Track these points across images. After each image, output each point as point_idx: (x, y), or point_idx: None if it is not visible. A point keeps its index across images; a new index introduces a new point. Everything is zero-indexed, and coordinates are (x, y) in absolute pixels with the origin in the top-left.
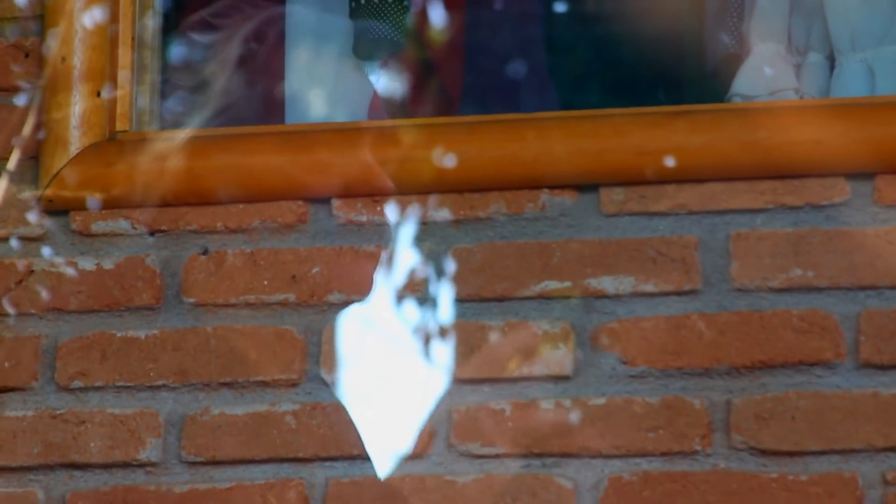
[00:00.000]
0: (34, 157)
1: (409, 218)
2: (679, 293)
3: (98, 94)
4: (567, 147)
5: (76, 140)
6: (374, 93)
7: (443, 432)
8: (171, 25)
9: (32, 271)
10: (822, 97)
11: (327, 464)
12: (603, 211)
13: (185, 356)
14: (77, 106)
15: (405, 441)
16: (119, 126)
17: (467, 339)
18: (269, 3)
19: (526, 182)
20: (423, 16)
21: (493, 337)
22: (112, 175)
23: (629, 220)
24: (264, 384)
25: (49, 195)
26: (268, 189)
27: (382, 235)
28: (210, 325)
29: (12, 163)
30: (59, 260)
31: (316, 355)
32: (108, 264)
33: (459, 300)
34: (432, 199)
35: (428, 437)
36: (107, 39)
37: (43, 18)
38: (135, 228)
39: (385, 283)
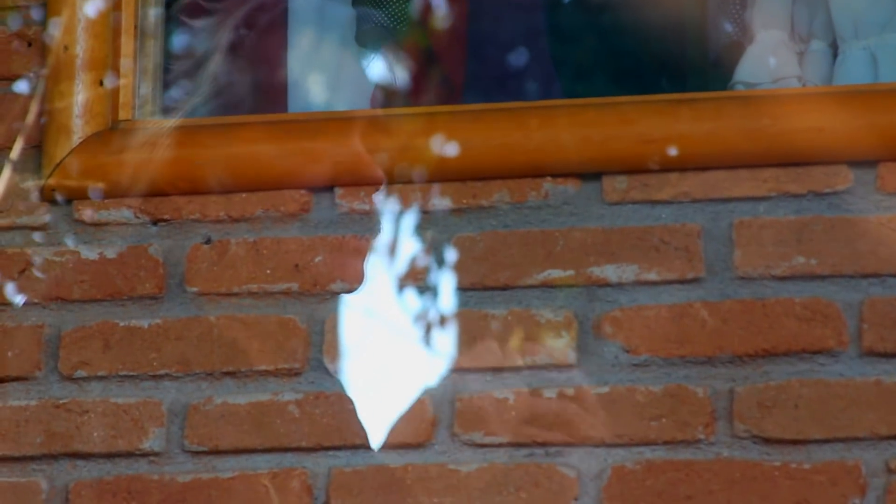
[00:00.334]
0: (37, 147)
1: (411, 207)
2: (682, 281)
3: (101, 83)
4: (570, 135)
5: (79, 129)
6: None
7: (446, 421)
8: (174, 14)
9: (35, 260)
10: (825, 85)
11: (330, 453)
12: (606, 199)
13: (187, 345)
14: (80, 95)
15: (408, 430)
16: (122, 115)
17: (470, 328)
18: None
19: (529, 170)
20: (425, 4)
21: (496, 325)
22: (115, 164)
23: (632, 208)
24: (267, 373)
25: (52, 184)
26: (270, 178)
27: (385, 224)
28: (213, 314)
29: (15, 152)
30: (61, 249)
31: (319, 344)
32: (110, 253)
33: (462, 289)
34: (435, 188)
35: (431, 425)
36: (109, 28)
37: (46, 7)
38: (137, 218)
39: (388, 272)
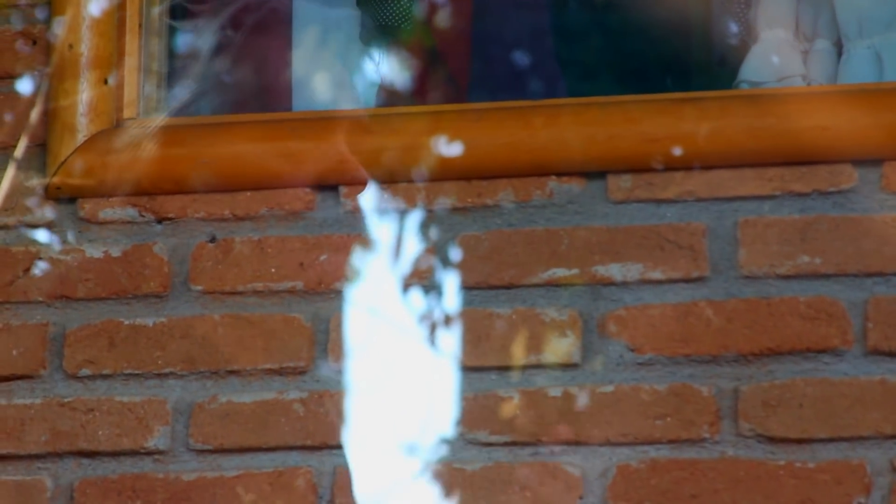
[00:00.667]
0: (41, 145)
1: (416, 206)
2: (687, 280)
3: (105, 82)
4: (575, 134)
5: (83, 128)
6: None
7: (451, 420)
8: (179, 12)
9: (40, 259)
10: (829, 84)
11: (335, 452)
12: (611, 198)
13: (192, 344)
14: (84, 93)
15: (413, 429)
16: (126, 114)
17: (475, 327)
18: None
19: (534, 169)
20: (430, 3)
21: (501, 324)
22: (120, 162)
23: (637, 207)
24: (272, 372)
25: (56, 183)
26: (275, 176)
27: (389, 223)
28: (217, 313)
29: (20, 150)
30: (66, 247)
31: (324, 343)
32: (115, 252)
33: (467, 288)
34: (440, 187)
35: (436, 424)
36: (114, 27)
37: (50, 6)
38: (142, 216)
39: (393, 271)
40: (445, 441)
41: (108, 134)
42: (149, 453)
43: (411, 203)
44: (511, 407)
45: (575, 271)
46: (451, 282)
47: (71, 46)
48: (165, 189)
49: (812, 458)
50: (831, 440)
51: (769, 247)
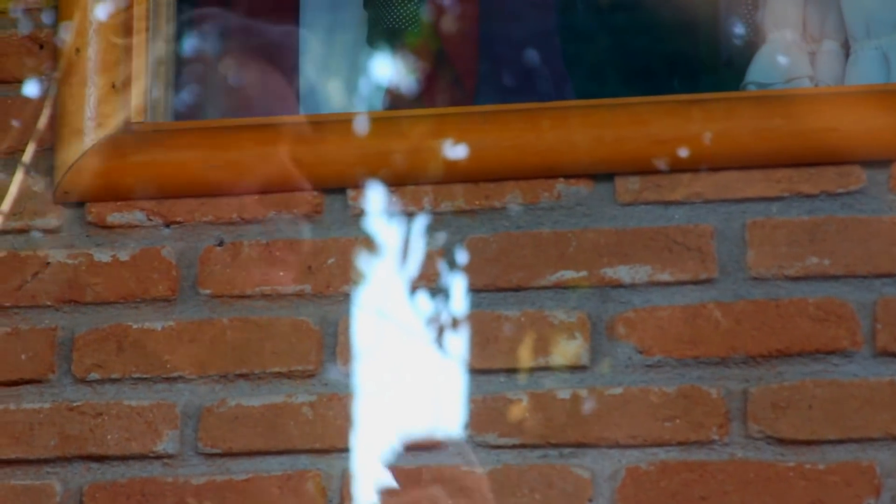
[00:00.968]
0: (49, 149)
1: (423, 208)
2: (695, 282)
3: (113, 86)
4: (582, 136)
5: (91, 132)
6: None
7: (459, 422)
8: (186, 16)
9: (48, 263)
10: (837, 85)
11: (344, 455)
12: (618, 200)
13: (201, 348)
14: (92, 98)
15: (421, 432)
16: (134, 118)
17: (483, 330)
18: None
19: (541, 171)
20: (437, 5)
21: (509, 327)
22: (127, 167)
23: (645, 209)
24: (280, 375)
25: (64, 187)
26: (283, 179)
27: (398, 226)
28: (226, 316)
29: (28, 155)
30: (74, 252)
31: (332, 346)
32: (123, 256)
33: (475, 290)
34: (447, 190)
35: (444, 427)
36: (121, 30)
37: (57, 10)
38: (150, 220)
39: (401, 274)
40: (454, 443)
41: (116, 138)
42: (158, 457)
43: (419, 206)
44: (520, 409)
45: (583, 273)
46: (458, 284)
47: (78, 50)
48: (173, 193)
49: (822, 460)
50: (841, 442)
51: (777, 248)
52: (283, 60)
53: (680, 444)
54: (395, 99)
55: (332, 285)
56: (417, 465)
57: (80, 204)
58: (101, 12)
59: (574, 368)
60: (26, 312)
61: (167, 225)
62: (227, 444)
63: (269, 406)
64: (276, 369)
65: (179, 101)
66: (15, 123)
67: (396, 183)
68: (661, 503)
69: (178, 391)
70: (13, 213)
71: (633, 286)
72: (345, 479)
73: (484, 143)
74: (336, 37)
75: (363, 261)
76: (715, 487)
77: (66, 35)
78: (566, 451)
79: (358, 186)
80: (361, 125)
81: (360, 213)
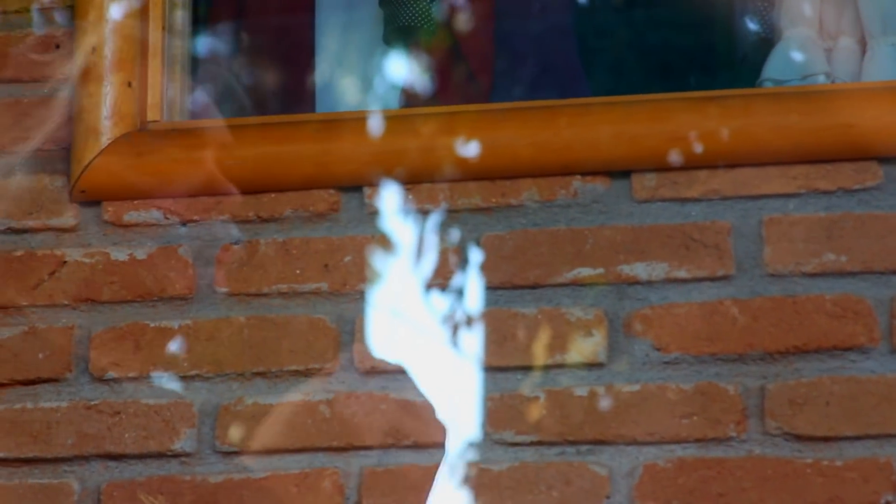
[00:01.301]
0: (66, 148)
1: (440, 206)
2: (712, 279)
3: (129, 85)
4: (599, 133)
5: (107, 130)
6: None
7: (476, 420)
8: (202, 15)
9: (65, 262)
10: (853, 81)
11: (361, 453)
12: (635, 197)
13: (218, 346)
14: (108, 96)
15: (439, 429)
16: (150, 116)
17: (500, 327)
18: None
19: (558, 169)
20: (451, 3)
21: (526, 324)
22: (144, 165)
23: (661, 206)
24: (297, 374)
25: (81, 186)
26: (299, 178)
27: (414, 224)
28: (243, 314)
29: (44, 154)
30: (91, 250)
31: (349, 344)
32: (140, 254)
33: (492, 288)
34: (463, 187)
35: (461, 425)
36: (137, 29)
37: (73, 9)
38: (167, 218)
39: (417, 272)
40: (471, 441)
41: (132, 137)
42: (175, 455)
43: (435, 203)
44: (537, 407)
45: (600, 270)
46: (475, 282)
47: (94, 49)
48: (190, 191)
49: (839, 457)
50: (858, 438)
51: (794, 245)
52: (299, 59)
53: (697, 440)
54: (410, 97)
55: (348, 283)
56: (434, 462)
57: (97, 202)
58: (117, 11)
59: (591, 366)
60: (43, 311)
61: (184, 223)
62: (244, 443)
63: (286, 404)
64: (293, 367)
65: (195, 100)
66: (31, 122)
67: (412, 181)
68: (678, 500)
69: (195, 389)
70: (30, 213)
71: (649, 283)
72: (362, 477)
73: (500, 141)
74: (351, 35)
75: (379, 259)
76: (732, 484)
77: (82, 34)
78: (583, 448)
79: (374, 184)
80: (377, 123)
81: (376, 211)
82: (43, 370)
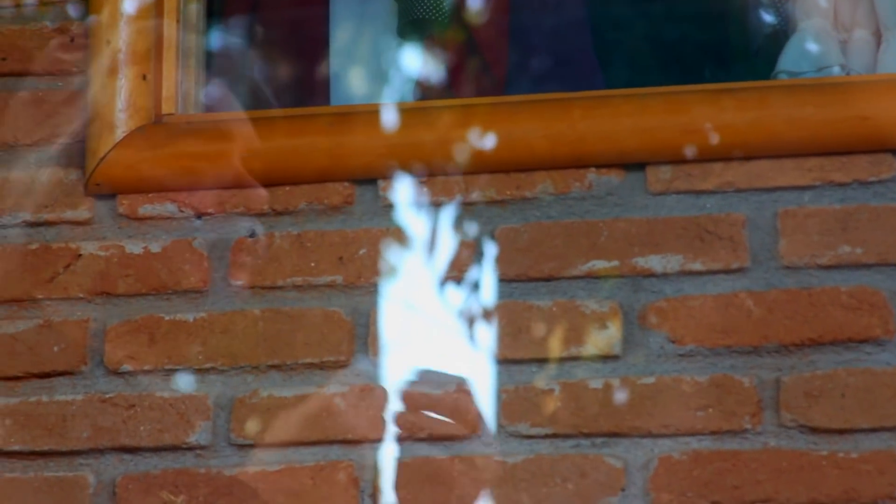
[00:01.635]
0: (81, 142)
1: (454, 199)
2: (727, 271)
3: (144, 78)
4: (613, 125)
5: (122, 123)
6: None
7: (491, 413)
8: (216, 8)
9: (80, 255)
10: (868, 73)
11: (376, 445)
12: (650, 189)
13: (233, 339)
14: (123, 89)
15: (454, 422)
16: (165, 109)
17: (515, 320)
18: None
19: (572, 161)
20: None
21: (541, 317)
22: (158, 158)
23: (676, 198)
24: (312, 366)
25: (96, 179)
26: (314, 171)
27: (428, 216)
28: (258, 307)
29: (59, 147)
30: (106, 243)
31: (364, 337)
32: (155, 248)
33: (506, 280)
34: (478, 180)
35: (476, 417)
36: (151, 22)
37: (87, 2)
38: (182, 211)
39: (432, 264)
40: (486, 433)
41: (147, 130)
42: (190, 448)
43: (449, 196)
44: (552, 399)
45: (615, 263)
46: (490, 274)
47: (108, 42)
48: (204, 184)
49: (855, 449)
50: (874, 430)
51: (810, 237)
52: (313, 52)
53: (712, 433)
54: (425, 89)
55: (363, 276)
56: (449, 454)
57: (112, 196)
58: (131, 4)
59: (606, 358)
60: (58, 304)
61: (198, 216)
62: (259, 435)
63: (300, 397)
64: (308, 360)
65: (210, 93)
66: (46, 116)
67: (427, 173)
68: (693, 492)
69: (210, 382)
70: (45, 206)
71: (664, 275)
72: (377, 470)
73: (515, 133)
74: (365, 28)
75: (394, 251)
76: (747, 476)
77: (97, 27)
78: (598, 440)
79: (389, 177)
80: (392, 116)
81: (390, 204)
82: (58, 363)
